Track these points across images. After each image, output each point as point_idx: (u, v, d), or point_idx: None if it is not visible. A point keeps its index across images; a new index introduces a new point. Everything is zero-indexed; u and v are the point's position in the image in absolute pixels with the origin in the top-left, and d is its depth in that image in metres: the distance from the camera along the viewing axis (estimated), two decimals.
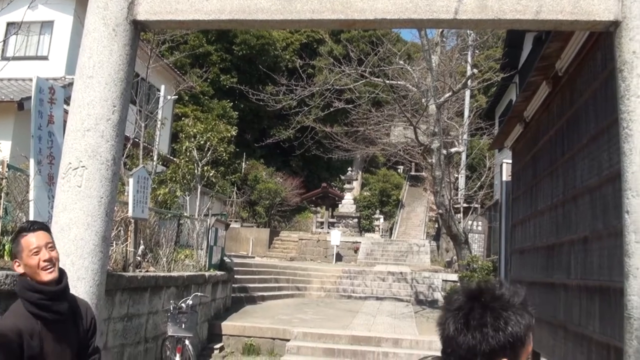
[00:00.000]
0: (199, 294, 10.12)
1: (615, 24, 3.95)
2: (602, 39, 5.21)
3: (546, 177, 7.78)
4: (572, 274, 6.27)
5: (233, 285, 14.88)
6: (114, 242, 8.66)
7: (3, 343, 2.69)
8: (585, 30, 5.19)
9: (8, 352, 2.70)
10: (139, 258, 9.62)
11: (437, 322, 1.61)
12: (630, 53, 3.80)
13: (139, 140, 13.19)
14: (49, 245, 2.96)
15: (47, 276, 2.91)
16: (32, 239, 2.91)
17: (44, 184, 6.22)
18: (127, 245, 9.09)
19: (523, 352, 1.52)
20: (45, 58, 17.83)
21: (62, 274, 3.05)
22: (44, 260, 2.89)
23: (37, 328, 2.83)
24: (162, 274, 9.70)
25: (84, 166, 4.80)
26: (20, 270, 2.93)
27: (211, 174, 15.46)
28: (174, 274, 10.25)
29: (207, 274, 11.98)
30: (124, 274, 8.21)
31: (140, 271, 9.33)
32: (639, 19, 3.84)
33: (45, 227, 3.06)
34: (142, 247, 9.85)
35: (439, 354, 1.62)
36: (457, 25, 5.42)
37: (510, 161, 11.59)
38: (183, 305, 8.55)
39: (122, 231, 9.17)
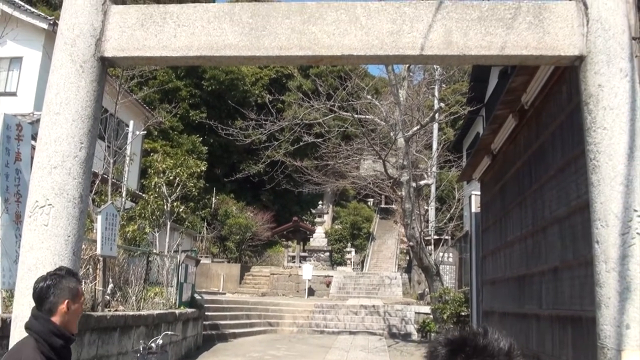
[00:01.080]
0: (170, 332, 9.92)
1: (580, 59, 4.04)
2: (567, 72, 5.34)
3: (515, 208, 7.86)
4: (543, 304, 6.31)
5: (204, 322, 14.65)
6: (83, 280, 8.46)
7: None
8: (550, 65, 5.31)
9: None
10: (107, 297, 9.42)
11: None
12: (596, 86, 3.89)
13: (108, 176, 13.03)
14: None
15: (75, 329, 2.99)
16: (81, 290, 3.02)
17: (12, 223, 6.08)
18: (95, 284, 8.91)
19: None
20: (13, 94, 17.64)
21: None
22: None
23: None
24: (131, 313, 9.50)
25: (50, 204, 4.71)
26: (63, 310, 2.91)
27: (181, 210, 15.31)
28: (144, 312, 10.04)
29: (177, 311, 11.77)
30: (92, 313, 8.02)
31: (110, 310, 9.13)
32: (604, 53, 3.94)
33: None
34: (111, 285, 9.66)
35: None
36: (423, 61, 5.51)
37: (479, 193, 11.71)
38: (153, 345, 8.35)
39: (90, 269, 9.00)
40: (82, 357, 7.50)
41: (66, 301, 2.92)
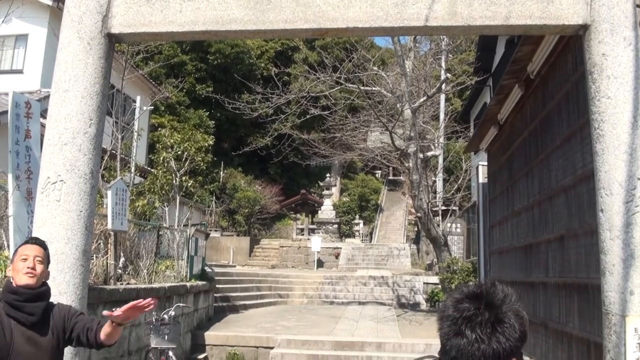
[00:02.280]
0: (181, 304, 10.07)
1: (584, 28, 4.04)
2: (573, 42, 5.33)
3: (522, 178, 7.89)
4: (550, 272, 6.37)
5: (215, 294, 14.82)
6: (94, 255, 8.59)
7: None
8: (554, 34, 5.30)
9: None
10: (119, 271, 9.55)
11: (442, 330, 1.57)
12: (600, 55, 3.89)
13: (116, 152, 13.10)
14: (38, 257, 3.22)
15: (24, 279, 3.14)
16: (27, 249, 3.22)
17: (23, 200, 6.16)
18: (107, 258, 9.02)
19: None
20: (20, 72, 17.65)
21: (44, 285, 3.28)
22: (27, 267, 3.15)
23: (8, 327, 3.06)
24: (143, 285, 9.63)
25: (62, 180, 4.79)
26: (9, 274, 3.23)
27: (189, 184, 15.39)
28: (155, 285, 10.18)
29: (188, 284, 11.92)
30: (105, 287, 8.15)
31: (122, 284, 9.27)
32: (608, 22, 3.93)
33: (43, 244, 3.35)
34: (122, 259, 9.78)
35: (434, 355, 1.63)
36: (427, 32, 5.49)
37: (486, 163, 11.73)
38: (165, 316, 8.51)
39: (102, 244, 9.11)
40: None
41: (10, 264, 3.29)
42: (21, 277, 3.12)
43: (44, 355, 3.18)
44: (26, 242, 3.30)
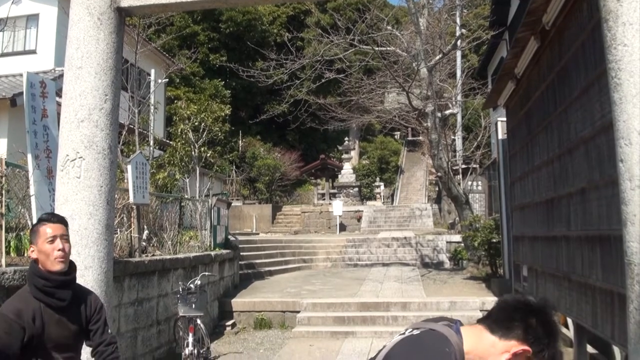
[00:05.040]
0: (207, 273, 10.22)
1: None
2: None
3: (541, 132, 7.81)
4: (572, 225, 6.35)
5: (240, 262, 15.00)
6: (118, 229, 8.73)
7: (5, 322, 2.86)
8: None
9: (9, 331, 2.85)
10: (144, 243, 9.69)
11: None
12: (615, 2, 3.80)
13: (134, 126, 13.18)
14: (64, 236, 3.15)
15: (57, 266, 3.07)
16: (49, 229, 3.10)
17: (44, 178, 6.26)
18: (131, 231, 9.16)
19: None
20: (33, 52, 17.73)
21: (71, 266, 3.22)
22: (58, 250, 3.07)
23: (39, 311, 3.00)
24: (168, 256, 9.79)
25: (81, 157, 4.84)
26: (34, 255, 3.10)
27: (209, 154, 15.49)
28: (180, 255, 10.34)
29: (212, 253, 12.08)
30: (130, 259, 8.29)
31: (147, 256, 9.42)
32: None
33: (64, 220, 3.25)
34: (146, 232, 9.92)
35: (451, 317, 1.72)
36: None
37: (504, 119, 11.61)
38: (192, 285, 8.65)
39: (125, 218, 9.23)
40: (123, 301, 7.80)
41: (32, 245, 3.14)
42: (52, 262, 3.05)
43: (72, 339, 3.17)
44: (45, 220, 3.15)
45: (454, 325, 1.72)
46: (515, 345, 1.61)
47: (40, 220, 3.19)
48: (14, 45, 17.67)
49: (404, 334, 1.72)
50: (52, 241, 3.07)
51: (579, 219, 6.04)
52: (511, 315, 1.64)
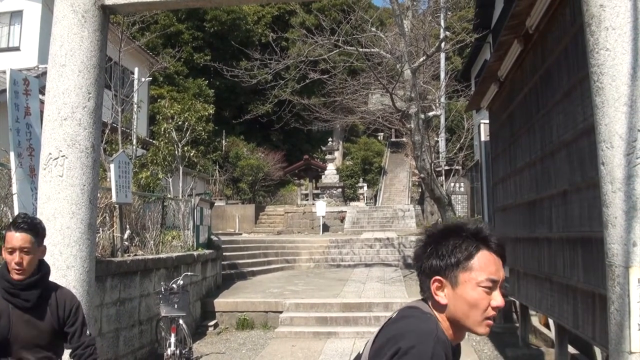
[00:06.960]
0: (189, 273, 10.18)
1: None
2: None
3: (523, 134, 7.87)
4: (554, 227, 6.40)
5: (222, 262, 14.96)
6: (100, 228, 8.66)
7: None
8: None
9: None
10: (126, 243, 9.63)
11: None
12: (598, 6, 3.84)
13: (117, 125, 13.09)
14: (25, 249, 3.10)
15: (14, 276, 3.11)
16: (12, 238, 3.08)
17: (26, 177, 6.19)
18: (113, 231, 9.10)
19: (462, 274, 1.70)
20: (17, 49, 17.55)
21: (41, 267, 3.23)
22: (15, 262, 3.08)
23: (6, 311, 3.07)
24: (150, 256, 9.73)
25: (64, 155, 4.80)
26: (4, 255, 3.14)
27: (192, 154, 15.41)
28: (163, 255, 10.28)
29: (195, 253, 12.03)
30: (112, 259, 8.23)
31: (129, 255, 9.36)
32: None
33: (34, 228, 3.17)
34: (128, 231, 9.85)
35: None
36: None
37: (487, 121, 11.69)
38: (174, 285, 8.60)
39: (107, 217, 9.17)
40: (105, 301, 7.75)
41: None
42: (11, 271, 3.11)
43: (44, 337, 3.19)
44: (14, 226, 3.12)
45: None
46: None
47: (10, 225, 3.18)
48: None
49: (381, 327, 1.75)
50: (11, 252, 3.09)
51: (560, 220, 6.09)
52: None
